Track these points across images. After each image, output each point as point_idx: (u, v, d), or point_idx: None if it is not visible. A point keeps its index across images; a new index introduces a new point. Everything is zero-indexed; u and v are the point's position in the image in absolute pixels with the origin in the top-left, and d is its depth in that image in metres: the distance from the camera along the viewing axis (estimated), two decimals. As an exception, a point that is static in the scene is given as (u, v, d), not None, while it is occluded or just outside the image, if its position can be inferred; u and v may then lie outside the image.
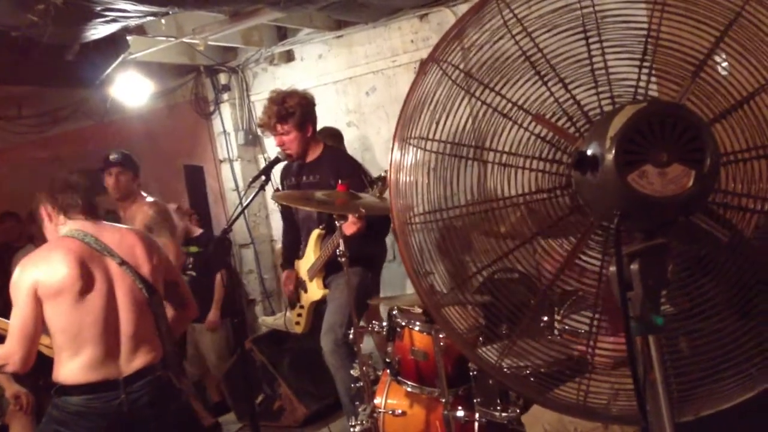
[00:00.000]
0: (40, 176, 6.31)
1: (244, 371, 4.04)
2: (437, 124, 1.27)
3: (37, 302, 2.38)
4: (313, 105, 3.59)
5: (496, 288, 1.38)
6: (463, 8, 4.58)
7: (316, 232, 3.59)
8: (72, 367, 2.42)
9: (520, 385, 1.33)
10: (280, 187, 3.83)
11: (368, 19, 4.97)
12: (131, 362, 2.48)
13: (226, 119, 5.79)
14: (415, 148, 1.31)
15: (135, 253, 2.56)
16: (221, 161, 5.87)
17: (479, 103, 1.26)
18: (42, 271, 2.40)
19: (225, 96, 5.75)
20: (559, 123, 1.18)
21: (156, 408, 2.51)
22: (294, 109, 3.43)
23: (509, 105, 1.23)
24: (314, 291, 3.63)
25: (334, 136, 4.51)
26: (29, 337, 2.41)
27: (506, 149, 1.22)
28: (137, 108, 5.58)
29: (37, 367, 2.58)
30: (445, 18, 4.76)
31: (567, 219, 1.16)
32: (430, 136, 1.23)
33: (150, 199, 4.02)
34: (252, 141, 5.77)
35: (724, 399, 1.13)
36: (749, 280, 1.19)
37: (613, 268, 1.04)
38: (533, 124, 1.22)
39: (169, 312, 2.76)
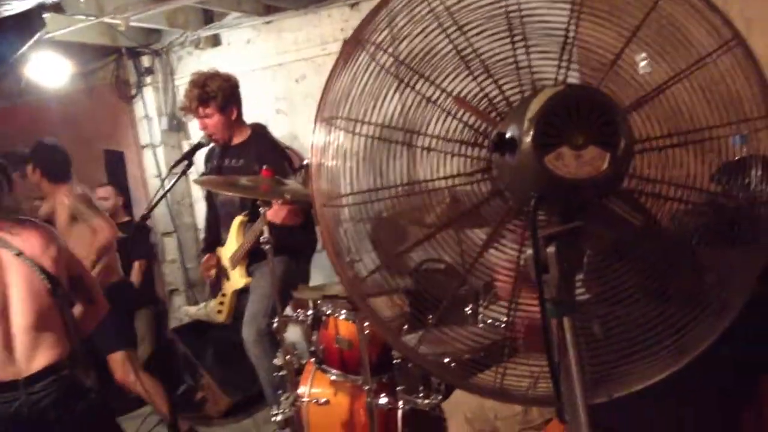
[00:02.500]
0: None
1: (166, 362, 3.95)
2: (366, 109, 1.26)
3: None
4: (236, 87, 3.52)
5: (421, 277, 1.39)
6: (393, -2, 4.57)
7: (238, 219, 3.53)
8: None
9: (440, 370, 1.33)
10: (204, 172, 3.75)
11: (298, 5, 4.91)
12: (32, 360, 2.32)
13: (149, 103, 5.60)
14: (341, 131, 1.29)
15: (33, 243, 2.42)
16: (143, 147, 5.69)
17: (408, 90, 1.25)
18: None
19: (148, 79, 5.57)
20: (482, 109, 1.18)
21: (60, 409, 2.36)
22: (215, 92, 3.36)
23: (439, 93, 1.23)
24: (237, 279, 3.57)
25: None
26: None
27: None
28: (54, 90, 5.33)
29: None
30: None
31: (487, 204, 1.17)
32: (361, 118, 1.21)
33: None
34: (176, 126, 5.62)
35: (636, 381, 1.16)
36: (662, 265, 1.22)
37: (530, 251, 1.05)
38: (462, 112, 1.22)
39: (77, 309, 2.63)
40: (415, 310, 1.46)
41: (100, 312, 2.77)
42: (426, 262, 1.42)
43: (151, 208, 3.15)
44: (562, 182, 0.96)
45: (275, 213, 3.08)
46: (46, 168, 3.86)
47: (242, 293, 3.60)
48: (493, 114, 1.17)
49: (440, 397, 2.46)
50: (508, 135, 0.99)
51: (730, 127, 1.09)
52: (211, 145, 3.61)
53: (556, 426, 1.90)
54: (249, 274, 3.55)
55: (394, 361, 2.63)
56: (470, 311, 2.46)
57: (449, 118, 1.23)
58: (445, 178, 1.17)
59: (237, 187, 2.86)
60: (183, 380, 4.43)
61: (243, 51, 5.28)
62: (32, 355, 2.33)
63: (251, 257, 3.52)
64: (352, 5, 4.84)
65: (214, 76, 3.48)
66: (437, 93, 1.21)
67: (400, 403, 2.65)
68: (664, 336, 1.15)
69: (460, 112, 1.21)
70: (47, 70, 4.93)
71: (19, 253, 2.36)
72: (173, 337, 4.45)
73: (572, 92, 0.97)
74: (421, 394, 2.56)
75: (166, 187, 3.36)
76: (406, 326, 1.56)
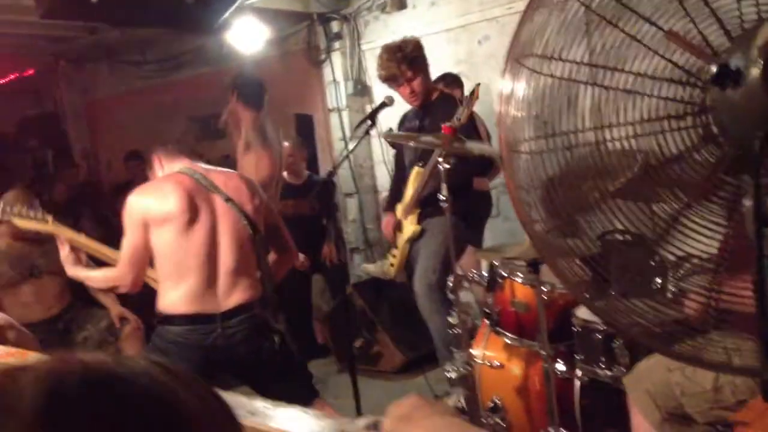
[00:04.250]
0: (162, 119, 6.64)
1: (345, 316, 4.11)
2: (561, 46, 1.18)
3: (146, 229, 2.49)
4: (423, 49, 3.61)
5: (606, 244, 1.31)
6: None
7: (415, 169, 3.57)
8: (174, 297, 2.52)
9: (638, 332, 1.24)
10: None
11: (485, -36, 4.80)
12: (229, 298, 2.54)
13: (336, 68, 5.79)
14: (530, 72, 1.22)
15: (240, 192, 2.63)
16: (330, 110, 5.90)
17: (609, 29, 1.16)
18: (152, 199, 2.50)
19: (336, 44, 5.75)
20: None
21: (250, 346, 2.56)
22: (417, 53, 3.50)
23: (646, 29, 1.13)
24: (407, 228, 3.61)
25: (456, 80, 4.46)
26: (139, 261, 2.53)
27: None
28: (251, 55, 5.68)
29: (148, 300, 2.72)
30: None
31: (697, 153, 1.05)
32: (554, 55, 1.14)
33: None
34: (361, 91, 5.76)
35: None
36: None
37: (749, 203, 0.94)
38: (671, 50, 1.10)
39: (271, 256, 2.81)
40: (599, 277, 1.37)
41: (291, 260, 2.95)
42: (610, 233, 1.33)
43: (337, 166, 3.26)
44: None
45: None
46: (242, 92, 4.12)
47: (414, 243, 3.63)
48: (708, 51, 1.04)
49: (624, 370, 2.33)
50: (732, 66, 0.88)
51: None
52: (399, 108, 3.70)
53: (757, 406, 1.72)
54: (419, 222, 3.58)
55: (574, 329, 2.53)
56: (659, 285, 2.30)
57: (655, 58, 1.12)
58: (649, 120, 1.07)
59: (420, 141, 2.89)
60: (361, 334, 4.59)
61: (428, 13, 5.27)
62: (230, 294, 2.54)
63: (424, 210, 3.55)
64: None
65: (406, 41, 3.62)
66: (644, 29, 1.10)
67: (579, 372, 2.55)
68: None
69: (669, 50, 1.10)
70: (246, 35, 5.25)
71: (228, 199, 2.56)
72: (352, 292, 4.62)
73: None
74: (602, 365, 2.44)
75: (351, 147, 3.46)
76: (587, 294, 1.47)
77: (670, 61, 1.10)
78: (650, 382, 2.11)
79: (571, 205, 1.28)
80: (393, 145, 4.11)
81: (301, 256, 4.77)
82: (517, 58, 1.19)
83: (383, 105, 3.49)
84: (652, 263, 1.38)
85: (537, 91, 1.26)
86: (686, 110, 1.04)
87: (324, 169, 5.89)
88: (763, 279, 0.94)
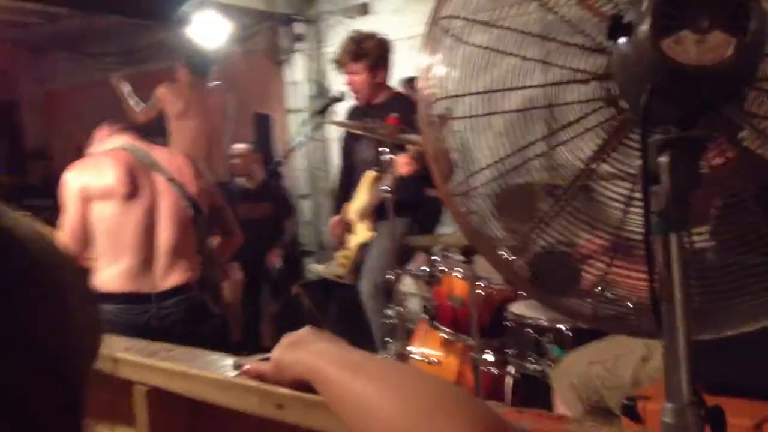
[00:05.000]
0: (122, 113, 6.56)
1: (292, 316, 4.09)
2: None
3: (85, 204, 2.45)
4: (388, 52, 3.60)
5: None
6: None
7: (371, 174, 3.57)
8: (109, 275, 2.47)
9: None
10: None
11: (447, -26, 4.87)
12: (166, 278, 2.51)
13: (297, 70, 5.81)
14: (452, 38, 1.24)
15: (183, 172, 2.60)
16: (289, 111, 5.91)
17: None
18: (91, 175, 2.46)
19: (299, 46, 5.77)
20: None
21: (186, 328, 2.52)
22: (369, 51, 3.45)
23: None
24: (362, 232, 3.61)
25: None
26: (78, 238, 2.48)
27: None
28: (213, 51, 5.66)
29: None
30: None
31: (599, 114, 1.08)
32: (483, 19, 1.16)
33: None
34: (321, 93, 5.78)
35: (751, 319, 1.03)
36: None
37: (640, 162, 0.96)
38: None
39: (215, 240, 2.79)
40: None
41: (235, 244, 2.93)
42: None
43: (287, 154, 3.27)
44: (680, 71, 0.86)
45: (403, 165, 3.07)
46: (189, 59, 4.12)
47: (366, 248, 3.63)
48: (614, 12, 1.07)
49: (551, 364, 2.36)
50: (625, 20, 0.90)
51: None
52: (354, 103, 3.71)
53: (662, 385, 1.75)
54: (374, 229, 3.58)
55: (507, 324, 2.56)
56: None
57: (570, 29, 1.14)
58: (552, 84, 1.09)
59: (367, 130, 2.91)
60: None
61: (391, 20, 5.32)
62: (167, 274, 2.51)
63: (378, 214, 3.55)
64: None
65: (372, 36, 3.59)
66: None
67: (510, 368, 2.57)
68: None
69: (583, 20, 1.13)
70: (208, 30, 5.24)
71: (171, 179, 2.54)
72: (300, 293, 4.60)
73: (699, -30, 0.87)
74: (532, 360, 2.47)
75: (301, 139, 3.47)
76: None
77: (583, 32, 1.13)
78: (574, 376, 2.14)
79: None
80: (344, 141, 4.11)
81: (238, 274, 4.78)
82: (436, 21, 1.21)
83: (334, 99, 3.51)
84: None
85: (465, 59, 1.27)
86: (591, 77, 1.07)
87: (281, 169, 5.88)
88: (649, 237, 0.97)
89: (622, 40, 0.91)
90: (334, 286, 4.59)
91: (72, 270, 0.51)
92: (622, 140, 1.10)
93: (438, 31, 1.24)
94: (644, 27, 0.86)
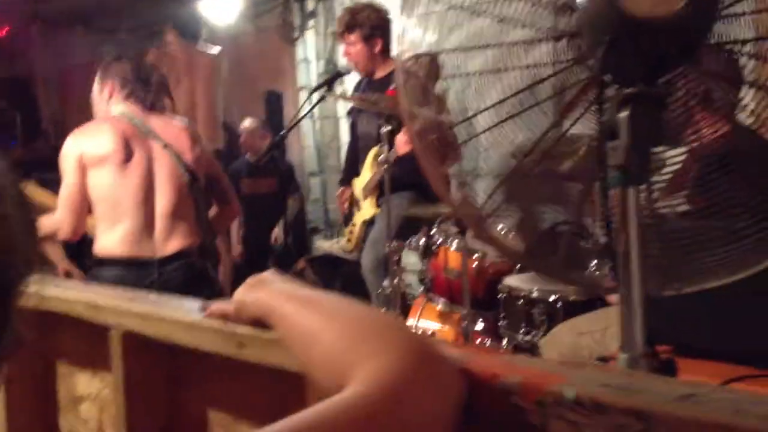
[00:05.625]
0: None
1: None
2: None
3: (83, 171, 2.49)
4: (386, 20, 3.54)
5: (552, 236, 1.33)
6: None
7: (374, 150, 3.58)
8: (109, 239, 2.51)
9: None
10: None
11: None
12: (167, 243, 2.55)
13: (309, 47, 5.82)
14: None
15: (180, 139, 2.63)
16: (300, 88, 5.93)
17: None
18: (88, 141, 2.50)
19: (311, 23, 5.78)
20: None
21: (187, 293, 2.56)
22: (363, 22, 3.42)
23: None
24: (366, 209, 3.64)
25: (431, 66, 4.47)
26: (77, 205, 2.53)
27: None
28: (225, 29, 5.70)
29: (84, 248, 2.72)
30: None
31: (568, 71, 1.10)
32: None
33: None
34: (332, 70, 5.78)
35: (711, 275, 1.05)
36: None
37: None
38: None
39: (212, 209, 2.83)
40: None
41: (232, 213, 2.97)
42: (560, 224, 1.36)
43: (290, 128, 3.30)
44: (635, 23, 0.88)
45: (404, 143, 3.09)
46: (180, 26, 4.12)
47: (371, 224, 3.66)
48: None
49: (540, 335, 2.39)
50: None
51: None
52: (360, 78, 3.71)
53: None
54: (378, 205, 3.60)
55: (500, 296, 2.58)
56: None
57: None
58: (526, 42, 1.11)
59: (368, 104, 2.92)
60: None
61: (401, -2, 5.30)
62: (168, 239, 2.55)
63: (382, 189, 3.57)
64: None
65: (367, 6, 3.56)
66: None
67: (505, 341, 2.60)
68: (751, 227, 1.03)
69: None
70: (219, 7, 5.27)
71: (166, 146, 2.57)
72: (305, 266, 4.65)
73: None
74: (523, 331, 2.49)
75: (306, 111, 3.48)
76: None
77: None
78: (563, 346, 2.17)
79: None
80: (350, 113, 4.12)
81: (238, 247, 4.82)
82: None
83: (339, 73, 3.52)
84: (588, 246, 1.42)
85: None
86: (561, 34, 1.09)
87: (291, 147, 5.92)
88: (606, 191, 0.99)
89: (576, -1, 0.93)
90: (340, 262, 4.64)
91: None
92: (591, 98, 1.12)
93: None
94: (602, -20, 0.88)
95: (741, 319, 1.43)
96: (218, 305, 0.97)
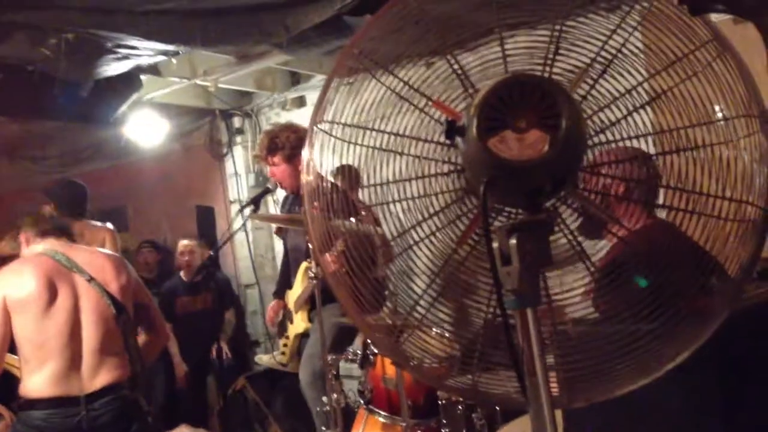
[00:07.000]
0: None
1: (237, 410, 4.04)
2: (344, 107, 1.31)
3: (5, 314, 2.45)
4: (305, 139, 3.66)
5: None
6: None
7: (304, 265, 3.61)
8: (36, 381, 2.46)
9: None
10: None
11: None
12: (94, 379, 2.50)
13: (238, 161, 5.92)
14: (323, 135, 1.34)
15: (104, 271, 2.63)
16: (231, 202, 5.98)
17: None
18: (11, 284, 2.49)
19: (238, 139, 5.91)
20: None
21: (117, 428, 2.50)
22: (283, 143, 3.53)
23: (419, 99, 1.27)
24: (298, 323, 3.63)
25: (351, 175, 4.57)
26: (1, 347, 2.47)
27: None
28: (152, 149, 5.74)
29: (12, 390, 2.63)
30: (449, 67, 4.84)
31: (462, 204, 1.17)
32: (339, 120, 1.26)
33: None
34: (262, 183, 5.87)
35: (618, 385, 1.10)
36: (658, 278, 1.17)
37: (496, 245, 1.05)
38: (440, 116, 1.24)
39: (141, 338, 2.79)
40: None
41: (162, 341, 2.93)
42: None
43: (221, 246, 3.32)
44: (506, 165, 0.96)
45: (329, 263, 3.12)
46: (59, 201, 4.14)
47: (304, 338, 3.65)
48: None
49: (481, 439, 2.39)
50: (459, 123, 1.01)
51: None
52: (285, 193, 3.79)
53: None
54: (310, 319, 3.61)
55: (440, 402, 2.58)
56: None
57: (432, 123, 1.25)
58: (423, 177, 1.18)
59: (293, 222, 2.97)
60: (253, 428, 4.49)
61: (325, 111, 5.49)
62: (95, 374, 2.50)
63: (313, 303, 3.57)
64: (429, 64, 4.95)
65: (286, 128, 3.68)
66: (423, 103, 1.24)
67: (446, 447, 2.58)
68: (649, 341, 1.10)
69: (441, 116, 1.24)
70: (146, 130, 5.33)
71: (91, 279, 2.56)
72: (245, 385, 4.54)
73: (517, 79, 0.99)
74: (463, 437, 2.49)
75: (241, 230, 3.51)
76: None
77: (439, 122, 1.23)
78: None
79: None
80: (279, 230, 4.17)
81: (183, 368, 4.72)
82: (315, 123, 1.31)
83: (267, 190, 3.59)
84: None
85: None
86: (450, 169, 1.17)
87: (226, 260, 5.90)
88: (506, 316, 1.04)
89: (458, 140, 1.02)
90: (279, 376, 4.56)
91: None
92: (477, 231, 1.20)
93: (315, 130, 1.35)
94: (473, 129, 0.97)
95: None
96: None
